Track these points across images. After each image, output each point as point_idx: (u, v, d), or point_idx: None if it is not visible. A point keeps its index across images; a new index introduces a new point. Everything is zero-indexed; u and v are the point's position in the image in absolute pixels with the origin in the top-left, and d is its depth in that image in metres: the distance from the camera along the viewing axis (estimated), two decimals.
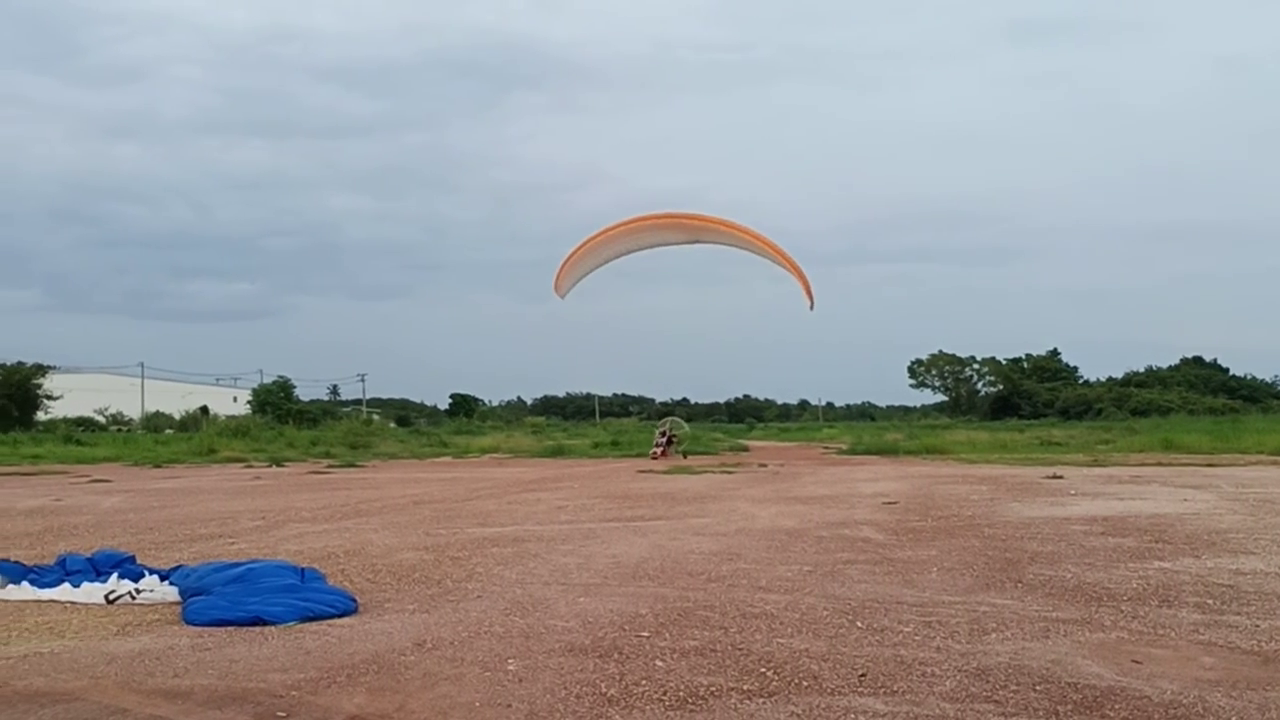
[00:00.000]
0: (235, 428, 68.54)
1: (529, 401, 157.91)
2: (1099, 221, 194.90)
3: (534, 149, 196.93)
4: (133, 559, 11.43)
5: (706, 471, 33.49)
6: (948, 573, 11.53)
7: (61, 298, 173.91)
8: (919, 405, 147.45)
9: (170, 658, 7.62)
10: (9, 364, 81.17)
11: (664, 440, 47.47)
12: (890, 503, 20.33)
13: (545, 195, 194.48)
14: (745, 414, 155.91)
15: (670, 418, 55.73)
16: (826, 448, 59.87)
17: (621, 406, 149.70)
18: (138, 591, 10.09)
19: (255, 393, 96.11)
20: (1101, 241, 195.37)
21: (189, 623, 8.86)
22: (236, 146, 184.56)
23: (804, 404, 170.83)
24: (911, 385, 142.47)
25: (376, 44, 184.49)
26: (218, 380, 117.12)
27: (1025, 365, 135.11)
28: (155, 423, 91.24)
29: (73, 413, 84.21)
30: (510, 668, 7.17)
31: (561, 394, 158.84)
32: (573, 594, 10.19)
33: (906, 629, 8.41)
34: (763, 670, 7.09)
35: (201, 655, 7.67)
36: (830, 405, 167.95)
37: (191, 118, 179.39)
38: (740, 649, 7.70)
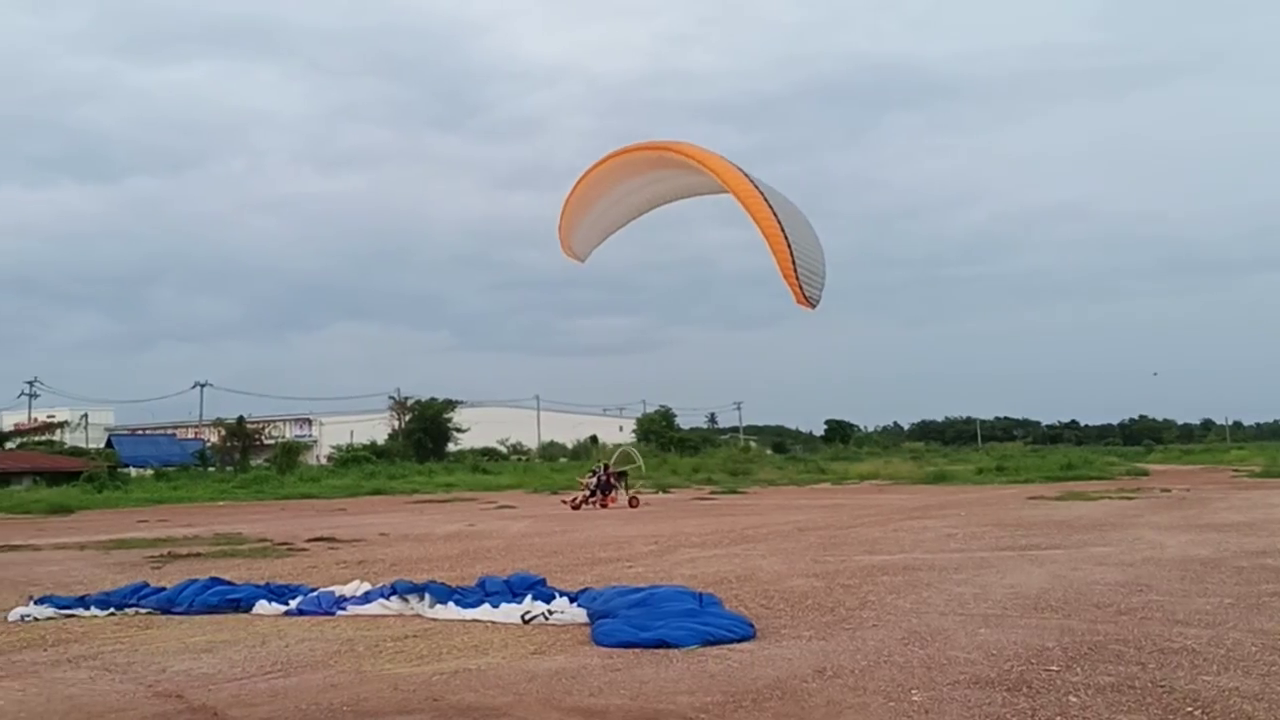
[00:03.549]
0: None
1: (905, 427, 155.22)
2: None
3: (910, 170, 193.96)
4: (543, 581, 12.15)
5: (1104, 497, 31.72)
6: None
7: (467, 337, 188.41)
8: None
9: (584, 677, 8.03)
10: (424, 400, 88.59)
11: (595, 481, 35.36)
12: None
13: (923, 216, 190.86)
14: (1141, 436, 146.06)
15: (622, 447, 43.37)
16: (1236, 470, 55.20)
17: (1004, 430, 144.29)
18: (550, 613, 10.71)
19: (639, 421, 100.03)
20: None
21: (598, 644, 9.30)
22: None
23: (1208, 424, 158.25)
24: None
25: (750, 78, 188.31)
26: (605, 410, 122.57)
27: None
28: (550, 451, 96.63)
29: (478, 443, 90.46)
30: (915, 698, 7.06)
31: (940, 418, 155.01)
32: (972, 624, 9.91)
33: None
34: (1189, 709, 6.62)
35: (613, 676, 8.03)
36: (1238, 424, 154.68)
37: (582, 164, 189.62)
38: (1161, 686, 7.22)
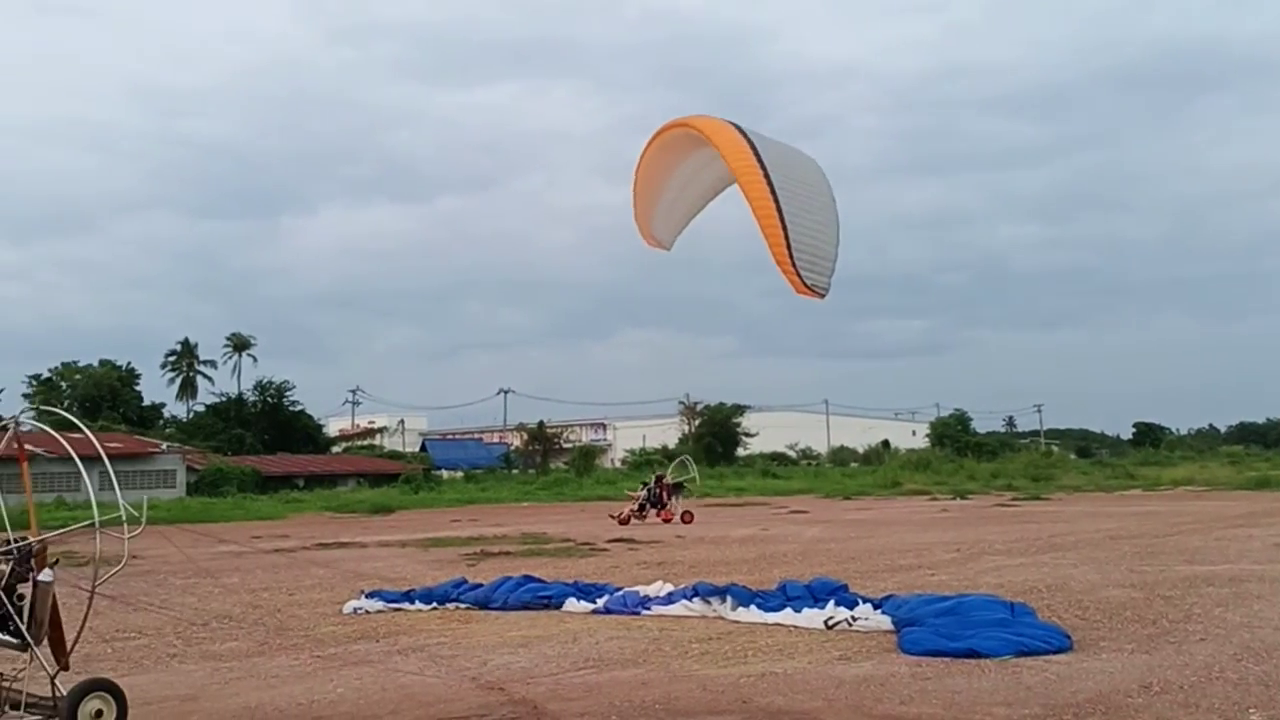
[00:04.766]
0: (916, 461, 70.30)
1: (1222, 429, 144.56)
2: None
3: (1224, 156, 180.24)
4: (845, 587, 12.10)
5: None
6: None
7: (753, 342, 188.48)
8: None
9: (893, 685, 7.95)
10: (713, 405, 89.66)
11: (647, 494, 33.03)
12: None
13: (1239, 204, 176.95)
14: None
15: (679, 457, 40.08)
16: None
17: None
18: (854, 619, 10.65)
19: (933, 426, 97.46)
20: None
21: (905, 652, 9.19)
22: (909, 187, 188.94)
23: None
24: None
25: (1044, 69, 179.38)
26: (896, 415, 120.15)
27: None
28: (840, 456, 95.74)
29: (767, 448, 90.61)
30: (1254, 718, 6.62)
31: (1261, 419, 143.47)
32: None
33: None
34: None
35: (923, 684, 7.92)
36: None
37: (868, 164, 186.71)
38: None
